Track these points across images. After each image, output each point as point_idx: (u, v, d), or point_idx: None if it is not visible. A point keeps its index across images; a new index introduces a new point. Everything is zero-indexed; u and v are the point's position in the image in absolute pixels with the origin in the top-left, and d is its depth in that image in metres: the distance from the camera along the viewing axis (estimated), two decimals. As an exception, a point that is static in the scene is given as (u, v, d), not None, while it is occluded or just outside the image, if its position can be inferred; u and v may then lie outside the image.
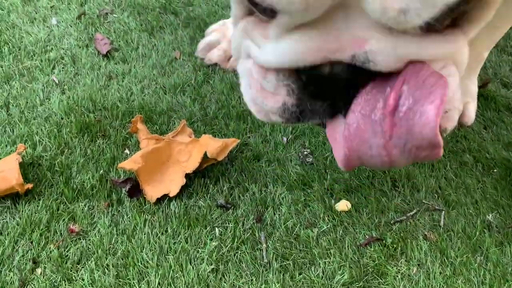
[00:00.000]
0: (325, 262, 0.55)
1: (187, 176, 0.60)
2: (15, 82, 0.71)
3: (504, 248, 0.58)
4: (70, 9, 0.83)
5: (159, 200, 0.59)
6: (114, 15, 0.84)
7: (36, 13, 0.82)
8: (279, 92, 0.37)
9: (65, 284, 0.51)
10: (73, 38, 0.78)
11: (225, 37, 0.76)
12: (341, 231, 0.58)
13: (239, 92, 0.73)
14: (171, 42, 0.80)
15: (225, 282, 0.52)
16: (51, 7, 0.83)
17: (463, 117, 0.76)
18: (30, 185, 0.58)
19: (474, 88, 0.77)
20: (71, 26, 0.80)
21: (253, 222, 0.58)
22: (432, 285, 0.54)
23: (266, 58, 0.35)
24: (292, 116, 0.37)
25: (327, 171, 0.65)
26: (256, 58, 0.36)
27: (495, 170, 0.69)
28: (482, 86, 0.81)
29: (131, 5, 0.85)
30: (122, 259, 0.54)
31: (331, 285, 0.53)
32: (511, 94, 0.82)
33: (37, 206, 0.58)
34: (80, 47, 0.77)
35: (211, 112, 0.70)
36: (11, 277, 0.52)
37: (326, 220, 0.59)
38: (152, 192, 0.59)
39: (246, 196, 0.60)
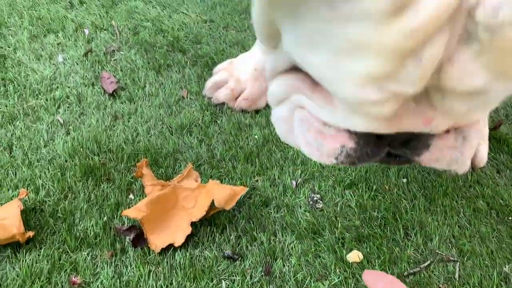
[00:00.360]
0: None
1: (192, 224, 0.58)
2: (19, 122, 0.70)
3: (524, 305, 0.56)
4: (77, 46, 0.83)
5: (164, 250, 0.57)
6: (121, 52, 0.83)
7: (43, 50, 0.81)
8: (340, 135, 0.37)
9: None
10: (79, 76, 0.78)
11: (232, 76, 0.76)
12: (353, 284, 0.56)
13: (247, 133, 0.72)
14: (179, 81, 0.80)
15: None
16: (57, 43, 0.82)
17: (474, 159, 0.74)
18: (31, 233, 0.56)
19: (485, 130, 0.75)
20: (77, 64, 0.80)
21: (262, 275, 0.56)
22: None
23: (335, 122, 0.34)
24: (348, 159, 0.36)
25: (337, 218, 0.63)
26: (320, 116, 0.36)
27: (510, 218, 0.67)
28: (494, 128, 0.79)
29: (138, 42, 0.85)
30: None
31: None
32: (524, 135, 0.81)
33: (38, 255, 0.56)
34: (86, 86, 0.77)
35: (218, 154, 0.69)
36: None
37: (338, 272, 0.57)
38: (157, 241, 0.57)
39: (254, 246, 0.58)
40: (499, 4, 0.25)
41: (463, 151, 0.38)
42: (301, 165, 0.69)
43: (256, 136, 0.72)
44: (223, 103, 0.76)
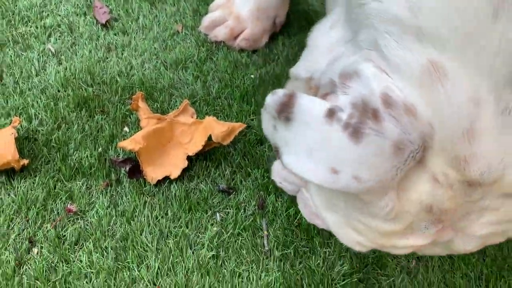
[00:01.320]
0: (325, 252, 0.55)
1: (188, 158, 0.59)
2: (9, 50, 0.68)
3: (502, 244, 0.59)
4: None
5: (160, 182, 0.58)
6: None
7: None
8: None
9: (63, 265, 0.51)
10: (70, 4, 0.75)
11: (231, 13, 0.74)
12: (342, 221, 0.58)
13: (243, 71, 0.71)
14: (173, 14, 0.77)
15: (225, 269, 0.52)
16: None
17: None
18: (26, 161, 0.57)
19: None
20: None
21: (255, 208, 0.58)
22: (430, 279, 0.55)
23: None
24: None
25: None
26: None
27: None
28: None
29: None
30: (121, 241, 0.53)
31: (331, 275, 0.53)
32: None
33: (33, 183, 0.56)
34: (77, 15, 0.74)
35: (213, 92, 0.69)
36: (7, 256, 0.51)
37: (328, 209, 0.59)
38: (153, 173, 0.58)
39: (248, 181, 0.60)
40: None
41: None
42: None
43: (252, 76, 0.72)
44: (221, 42, 0.74)
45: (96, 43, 0.71)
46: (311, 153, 0.31)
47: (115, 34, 0.73)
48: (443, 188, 0.31)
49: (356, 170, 0.30)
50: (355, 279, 0.53)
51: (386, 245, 0.37)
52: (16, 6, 0.73)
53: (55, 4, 0.75)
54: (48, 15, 0.73)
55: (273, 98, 0.32)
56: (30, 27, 0.71)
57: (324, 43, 0.37)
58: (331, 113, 0.30)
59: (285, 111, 0.31)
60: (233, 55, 0.73)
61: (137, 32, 0.74)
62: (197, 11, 0.79)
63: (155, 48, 0.73)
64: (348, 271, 0.54)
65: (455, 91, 0.29)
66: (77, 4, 0.75)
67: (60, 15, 0.74)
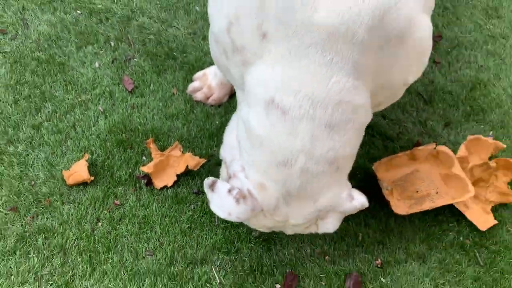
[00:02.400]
0: None
1: (177, 176, 1.11)
2: (77, 110, 1.21)
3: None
4: (107, 54, 1.30)
5: (162, 188, 1.11)
6: (135, 59, 1.31)
7: (85, 58, 1.29)
8: None
9: (114, 233, 1.05)
10: (109, 78, 1.27)
11: (205, 84, 1.24)
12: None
13: (211, 119, 1.23)
14: (171, 81, 1.28)
15: (196, 234, 1.06)
16: (94, 53, 1.30)
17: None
18: (92, 178, 1.10)
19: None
20: (108, 68, 1.28)
21: None
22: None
23: None
24: None
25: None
26: None
27: (358, 176, 1.19)
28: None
29: (147, 51, 1.32)
30: (142, 219, 1.07)
31: (248, 237, 1.05)
32: (387, 124, 1.31)
33: (96, 189, 1.10)
34: (114, 85, 1.26)
35: (193, 133, 1.20)
36: (86, 227, 1.05)
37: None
38: (158, 183, 1.10)
39: None
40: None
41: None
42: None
43: (217, 122, 1.23)
44: (199, 101, 1.25)
45: (126, 104, 1.23)
46: (221, 206, 0.81)
47: (136, 97, 1.25)
48: (271, 221, 0.82)
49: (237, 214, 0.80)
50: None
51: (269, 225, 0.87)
52: (78, 81, 1.25)
53: (100, 78, 1.27)
54: (97, 86, 1.25)
55: (206, 180, 0.83)
56: (88, 95, 1.24)
57: (230, 142, 0.88)
58: (229, 191, 0.81)
59: (211, 187, 0.82)
60: (206, 109, 1.25)
61: (149, 95, 1.26)
62: (186, 79, 1.30)
63: (160, 105, 1.24)
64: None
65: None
66: (114, 78, 1.27)
67: (103, 86, 1.26)
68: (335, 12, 0.69)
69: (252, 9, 0.74)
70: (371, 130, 1.28)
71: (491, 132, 1.34)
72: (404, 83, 0.86)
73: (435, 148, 1.20)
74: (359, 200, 0.81)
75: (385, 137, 1.28)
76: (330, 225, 0.84)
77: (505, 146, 1.24)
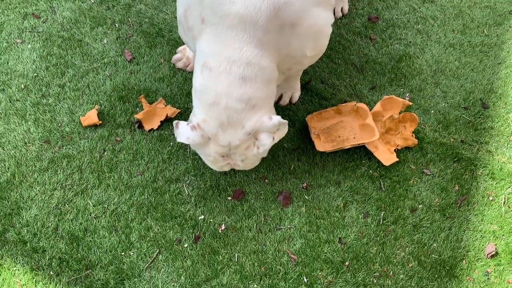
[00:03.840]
0: None
1: (161, 121, 1.57)
2: (90, 75, 1.67)
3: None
4: (113, 33, 1.75)
5: (150, 130, 1.56)
6: (133, 37, 1.76)
7: (97, 35, 1.74)
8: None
9: (115, 159, 1.52)
10: (116, 52, 1.72)
11: (184, 55, 1.68)
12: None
13: (189, 82, 1.67)
14: (160, 53, 1.73)
15: (173, 162, 1.52)
16: (104, 32, 1.75)
17: (292, 100, 1.67)
18: (100, 122, 1.56)
19: (298, 84, 1.66)
20: (113, 43, 1.74)
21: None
22: None
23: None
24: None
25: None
26: None
27: (297, 125, 1.62)
28: (306, 83, 1.71)
29: (143, 31, 1.77)
30: (135, 150, 1.53)
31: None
32: (324, 87, 1.72)
33: (103, 130, 1.56)
34: (118, 56, 1.71)
35: (174, 92, 1.65)
36: (95, 155, 1.52)
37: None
38: (147, 127, 1.56)
39: None
40: None
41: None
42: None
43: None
44: (180, 68, 1.70)
45: (126, 70, 1.69)
46: (182, 134, 1.23)
47: (134, 65, 1.70)
48: (219, 147, 1.24)
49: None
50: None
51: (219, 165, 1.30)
52: (91, 53, 1.71)
53: (107, 51, 1.72)
54: (105, 57, 1.71)
55: (174, 122, 1.26)
56: (98, 63, 1.69)
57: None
58: (187, 125, 1.24)
59: (176, 125, 1.23)
60: (184, 74, 1.69)
61: (143, 64, 1.71)
62: (171, 52, 1.74)
63: (151, 71, 1.69)
64: (215, 163, 1.51)
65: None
66: (117, 51, 1.72)
67: (110, 57, 1.71)
68: (245, 6, 1.12)
69: (197, 1, 1.17)
70: (310, 92, 1.70)
71: (408, 94, 1.74)
72: (303, 55, 1.27)
73: (355, 105, 1.62)
74: (276, 118, 1.17)
75: (320, 97, 1.70)
76: (264, 141, 1.18)
77: (411, 103, 1.64)
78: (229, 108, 1.17)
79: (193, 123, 1.20)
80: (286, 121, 1.22)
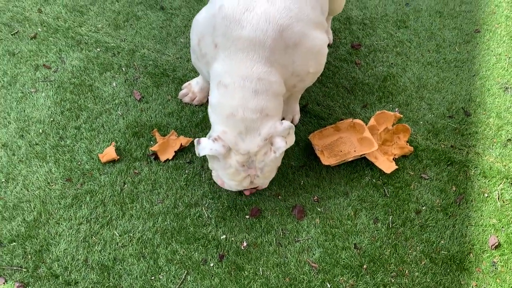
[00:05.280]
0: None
1: (175, 152, 1.68)
2: (104, 115, 1.79)
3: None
4: (121, 76, 1.89)
5: (165, 161, 1.67)
6: (140, 78, 1.90)
7: (106, 80, 1.88)
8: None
9: (135, 191, 1.61)
10: (125, 93, 1.85)
11: (190, 91, 1.82)
12: (232, 169, 1.66)
13: (196, 114, 1.80)
14: (167, 91, 1.87)
15: (191, 188, 1.62)
16: (112, 76, 1.89)
17: (294, 122, 1.82)
18: (118, 157, 1.67)
19: (297, 107, 1.82)
20: (122, 86, 1.87)
21: (201, 167, 1.67)
22: None
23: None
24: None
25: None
26: None
27: (301, 144, 1.76)
28: (304, 106, 1.87)
29: (148, 72, 1.91)
30: (154, 181, 1.63)
31: (225, 187, 1.62)
32: (321, 109, 1.88)
33: (121, 164, 1.66)
34: (128, 96, 1.84)
35: (184, 124, 1.78)
36: (116, 188, 1.61)
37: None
38: (162, 158, 1.67)
39: (199, 158, 1.69)
40: None
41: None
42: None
43: (200, 116, 1.81)
44: (187, 103, 1.83)
45: (136, 109, 1.81)
46: (204, 148, 1.34)
47: (143, 104, 1.83)
48: (240, 156, 1.36)
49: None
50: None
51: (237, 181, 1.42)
52: (103, 95, 1.83)
53: (117, 93, 1.85)
54: (116, 98, 1.83)
55: (195, 140, 1.38)
56: (110, 105, 1.81)
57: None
58: (208, 139, 1.37)
59: (198, 142, 1.36)
60: (192, 108, 1.83)
61: (152, 102, 1.84)
62: (177, 88, 1.88)
63: (160, 108, 1.82)
64: (231, 185, 1.62)
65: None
66: (127, 92, 1.85)
67: (120, 98, 1.84)
68: (254, 29, 1.28)
69: (210, 30, 1.33)
70: (308, 114, 1.85)
71: (397, 109, 1.91)
72: (306, 72, 1.43)
73: (352, 121, 1.77)
74: (286, 123, 1.33)
75: (319, 118, 1.85)
76: (279, 144, 1.32)
77: (402, 116, 1.81)
78: (246, 118, 1.31)
79: (214, 136, 1.33)
80: (293, 125, 1.38)
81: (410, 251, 1.57)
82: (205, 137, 1.39)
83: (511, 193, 1.72)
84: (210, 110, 1.37)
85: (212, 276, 1.47)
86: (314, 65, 1.44)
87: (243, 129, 1.29)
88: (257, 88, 1.28)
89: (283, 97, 1.44)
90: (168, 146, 1.68)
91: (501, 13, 2.26)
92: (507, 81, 2.04)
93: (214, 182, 1.64)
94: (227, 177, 1.40)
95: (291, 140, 1.37)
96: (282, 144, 1.33)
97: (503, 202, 1.70)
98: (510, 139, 1.86)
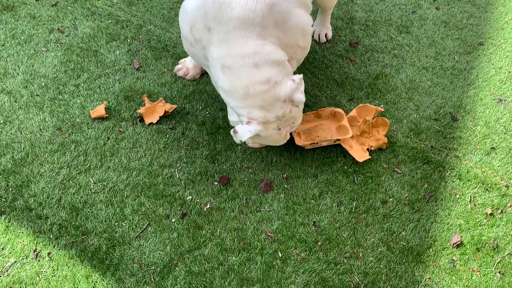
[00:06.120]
0: None
1: (160, 117, 1.80)
2: (102, 78, 1.94)
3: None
4: (125, 46, 2.05)
5: (149, 124, 1.80)
6: (142, 50, 2.05)
7: (110, 48, 2.04)
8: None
9: (116, 146, 1.74)
10: (126, 61, 2.01)
11: (184, 66, 1.95)
12: (209, 139, 1.77)
13: (187, 87, 1.92)
14: (164, 64, 2.00)
15: (168, 151, 1.73)
16: (117, 45, 2.05)
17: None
18: (107, 115, 1.81)
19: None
20: (124, 55, 2.02)
21: (181, 134, 1.78)
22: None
23: None
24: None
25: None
26: None
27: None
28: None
29: (150, 46, 2.06)
30: (135, 140, 1.75)
31: (199, 153, 1.72)
32: (307, 97, 1.96)
33: (109, 122, 1.80)
34: (128, 65, 1.99)
35: (174, 94, 1.90)
36: (100, 142, 1.75)
37: (204, 134, 1.78)
38: (147, 120, 1.80)
39: (181, 126, 1.80)
40: None
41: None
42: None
43: (191, 89, 1.93)
44: (180, 76, 1.96)
45: (133, 76, 1.96)
46: (244, 132, 1.43)
47: (140, 73, 1.97)
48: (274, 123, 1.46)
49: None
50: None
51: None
52: (105, 61, 1.99)
53: (119, 60, 2.00)
54: (116, 65, 1.99)
55: (231, 131, 1.48)
56: (110, 70, 1.97)
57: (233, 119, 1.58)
58: (241, 124, 1.47)
59: (234, 132, 1.43)
60: (184, 82, 1.95)
61: (148, 72, 1.98)
62: (174, 63, 2.02)
63: (154, 78, 1.96)
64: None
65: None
66: (127, 61, 2.00)
67: (120, 65, 1.99)
68: (243, 9, 1.39)
69: (201, 16, 1.45)
70: (294, 99, 1.93)
71: (382, 105, 1.97)
72: (297, 45, 1.52)
73: (333, 110, 1.84)
74: (297, 77, 1.43)
75: (305, 106, 1.93)
76: (299, 99, 1.44)
77: (383, 110, 1.86)
78: (259, 93, 1.41)
79: (245, 120, 1.44)
80: (302, 75, 1.46)
81: (369, 237, 1.61)
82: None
83: (484, 198, 1.73)
84: (223, 95, 1.47)
85: (172, 230, 1.56)
86: (302, 40, 1.54)
87: (261, 102, 1.40)
88: (256, 62, 1.38)
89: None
90: (154, 111, 1.80)
91: (510, 29, 2.28)
92: (503, 93, 2.05)
93: (191, 148, 1.74)
94: (272, 143, 1.56)
95: (303, 87, 1.48)
96: (301, 97, 1.45)
97: (474, 205, 1.71)
98: (494, 148, 1.87)
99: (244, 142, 1.54)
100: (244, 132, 1.41)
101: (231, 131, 1.45)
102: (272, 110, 1.43)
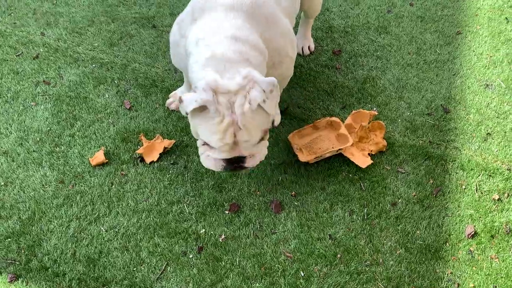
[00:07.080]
0: None
1: (160, 154, 1.81)
2: (96, 124, 1.94)
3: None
4: (113, 88, 2.06)
5: (150, 163, 1.80)
6: (131, 89, 2.06)
7: (99, 92, 2.04)
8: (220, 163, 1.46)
9: (122, 190, 1.74)
10: (116, 103, 2.01)
11: (176, 99, 1.96)
12: (212, 168, 1.78)
13: (182, 120, 1.93)
14: (155, 100, 2.01)
15: (173, 187, 1.74)
16: (105, 89, 2.05)
17: (274, 124, 1.92)
18: (107, 160, 1.81)
19: (278, 110, 1.92)
20: (114, 97, 2.03)
21: (184, 168, 1.79)
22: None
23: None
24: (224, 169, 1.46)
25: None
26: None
27: (280, 145, 1.86)
28: (285, 109, 1.98)
29: (138, 84, 2.07)
30: (139, 181, 1.76)
31: (205, 184, 1.73)
32: (301, 111, 1.99)
33: (110, 167, 1.80)
34: (119, 106, 2.00)
35: (169, 128, 1.91)
36: (104, 188, 1.75)
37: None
38: (147, 159, 1.80)
39: (182, 159, 1.81)
40: None
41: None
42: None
43: (185, 121, 1.94)
44: (173, 110, 1.97)
45: (126, 117, 1.96)
46: (190, 101, 1.32)
47: (133, 112, 1.98)
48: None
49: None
50: (210, 183, 1.72)
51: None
52: (96, 105, 2.00)
53: (109, 103, 2.01)
54: (107, 108, 1.99)
55: (170, 100, 1.59)
56: (102, 114, 1.97)
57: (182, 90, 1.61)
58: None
59: (179, 100, 1.43)
60: (177, 115, 1.96)
61: (141, 110, 1.98)
62: (164, 98, 2.03)
63: (148, 115, 1.97)
64: (211, 182, 1.73)
65: None
66: (118, 102, 2.01)
67: (112, 108, 1.99)
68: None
69: (188, 13, 1.47)
70: (289, 116, 1.96)
71: (375, 108, 2.00)
72: (286, 55, 1.53)
73: (329, 119, 1.87)
74: (269, 78, 1.29)
75: (299, 119, 1.96)
76: (254, 95, 1.25)
77: (376, 113, 1.90)
78: (225, 57, 1.28)
79: (196, 87, 1.27)
80: (277, 85, 1.30)
81: (385, 241, 1.63)
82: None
83: (489, 185, 1.76)
84: (189, 66, 1.36)
85: (191, 266, 1.56)
86: (291, 48, 1.55)
87: (222, 68, 1.28)
88: (236, 35, 1.31)
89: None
90: (153, 149, 1.81)
91: (483, 15, 2.34)
92: (488, 78, 2.10)
93: (196, 181, 1.75)
94: (211, 129, 1.30)
95: (276, 98, 1.33)
96: (258, 95, 1.26)
97: (481, 193, 1.74)
98: (490, 133, 1.91)
99: (187, 113, 1.34)
100: (190, 99, 1.25)
101: (177, 100, 1.44)
102: (226, 79, 1.26)
